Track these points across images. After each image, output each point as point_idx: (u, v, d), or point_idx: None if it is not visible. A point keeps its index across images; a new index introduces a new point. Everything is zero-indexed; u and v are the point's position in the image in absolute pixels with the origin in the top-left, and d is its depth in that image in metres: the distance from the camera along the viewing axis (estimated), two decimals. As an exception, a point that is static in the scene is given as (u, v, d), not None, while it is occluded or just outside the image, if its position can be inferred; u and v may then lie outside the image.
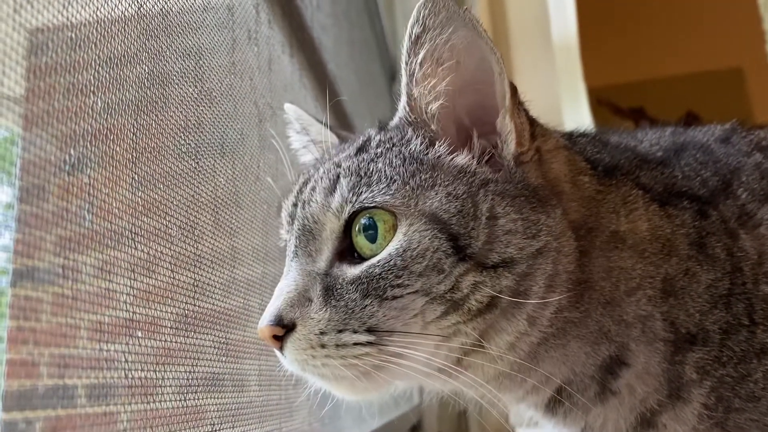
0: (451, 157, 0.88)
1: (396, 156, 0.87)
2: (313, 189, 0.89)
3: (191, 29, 0.98)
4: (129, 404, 0.75)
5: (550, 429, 0.97)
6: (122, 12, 0.77)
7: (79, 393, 0.70)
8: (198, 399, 0.89)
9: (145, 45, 0.83)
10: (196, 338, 0.91)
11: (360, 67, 2.50)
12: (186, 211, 0.91)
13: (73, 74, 0.67)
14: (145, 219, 0.81)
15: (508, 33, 3.72)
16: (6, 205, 0.61)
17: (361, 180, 0.86)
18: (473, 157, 0.88)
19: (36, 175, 0.62)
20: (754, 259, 0.90)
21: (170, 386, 0.83)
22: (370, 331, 0.81)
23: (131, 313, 0.76)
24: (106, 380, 0.73)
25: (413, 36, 0.85)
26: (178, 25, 0.94)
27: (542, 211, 0.85)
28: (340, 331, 0.82)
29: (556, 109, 3.26)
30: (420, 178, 0.85)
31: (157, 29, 0.86)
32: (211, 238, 0.99)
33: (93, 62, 0.71)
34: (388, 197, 0.83)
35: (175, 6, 0.93)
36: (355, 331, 0.81)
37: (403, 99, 0.90)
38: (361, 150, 0.91)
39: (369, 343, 0.81)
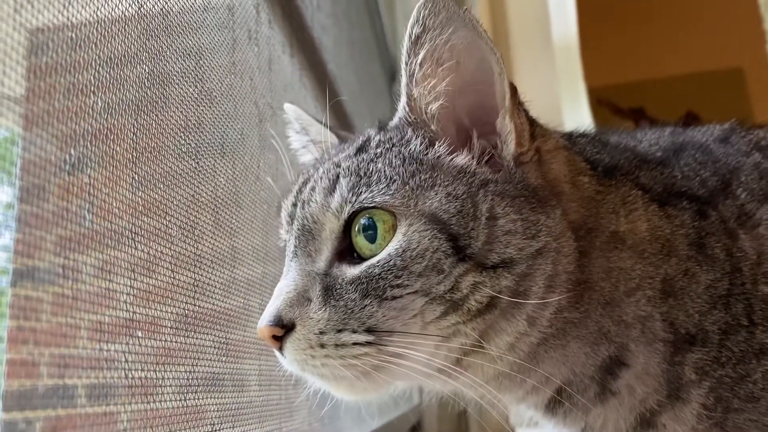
0: (451, 157, 0.88)
1: (396, 156, 0.87)
2: (313, 189, 0.89)
3: (191, 29, 0.98)
4: (129, 404, 0.75)
5: (550, 429, 0.97)
6: (122, 12, 0.77)
7: (79, 393, 0.70)
8: (198, 399, 0.89)
9: (146, 45, 0.83)
10: (196, 338, 0.91)
11: (360, 67, 2.50)
12: (186, 211, 0.91)
13: (74, 74, 0.67)
14: (146, 219, 0.81)
15: (508, 33, 3.71)
16: (6, 205, 0.61)
17: (360, 180, 0.86)
18: (473, 158, 0.88)
19: (36, 175, 0.62)
20: (753, 259, 0.90)
21: (170, 386, 0.83)
22: (369, 331, 0.81)
23: (131, 313, 0.76)
24: (107, 380, 0.73)
25: (413, 36, 0.85)
26: (179, 25, 0.94)
27: (542, 212, 0.85)
28: (339, 331, 0.82)
29: (556, 110, 3.26)
30: (420, 178, 0.85)
31: (157, 29, 0.87)
32: (211, 238, 0.99)
33: (93, 62, 0.71)
34: (387, 197, 0.83)
35: (176, 6, 0.93)
36: (354, 331, 0.81)
37: (403, 99, 0.90)
38: (360, 150, 0.91)
39: (368, 343, 0.81)
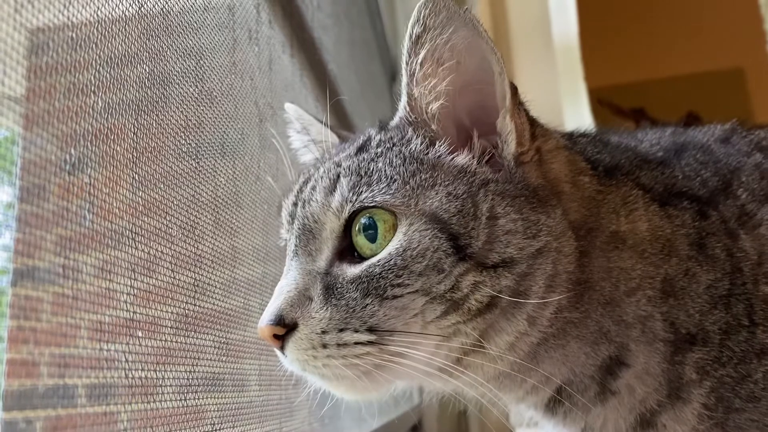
0: (452, 157, 0.88)
1: (396, 156, 0.87)
2: (314, 188, 0.89)
3: (192, 29, 0.98)
4: (129, 404, 0.75)
5: (549, 429, 0.97)
6: (123, 12, 0.77)
7: (79, 393, 0.70)
8: (198, 399, 0.89)
9: (146, 45, 0.83)
10: (197, 338, 0.91)
11: (360, 67, 2.50)
12: (186, 210, 0.91)
13: (74, 74, 0.67)
14: (146, 219, 0.81)
15: (508, 33, 3.71)
16: (6, 205, 0.61)
17: (361, 179, 0.86)
18: (473, 157, 0.88)
19: (36, 174, 0.62)
20: (754, 259, 0.90)
21: (170, 386, 0.83)
22: (371, 330, 0.81)
23: (131, 313, 0.76)
24: (107, 380, 0.73)
25: (414, 36, 0.85)
26: (179, 25, 0.94)
27: (542, 211, 0.85)
28: (341, 330, 0.82)
29: (556, 110, 3.26)
30: (420, 177, 0.85)
31: (157, 29, 0.87)
32: (212, 238, 0.99)
33: (94, 62, 0.71)
34: (388, 197, 0.83)
35: (176, 6, 0.93)
36: (356, 331, 0.81)
37: (404, 99, 0.90)
38: (361, 149, 0.91)
39: (370, 343, 0.81)
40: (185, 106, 0.94)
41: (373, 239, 0.84)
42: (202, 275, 0.95)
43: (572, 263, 0.85)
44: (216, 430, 0.92)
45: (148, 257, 0.80)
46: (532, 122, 0.92)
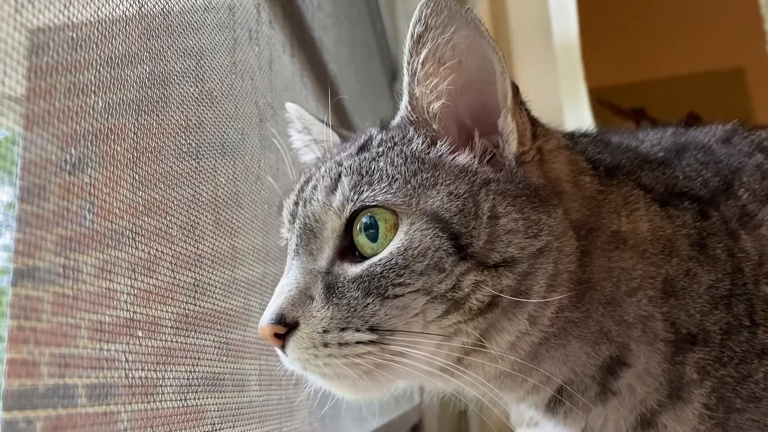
0: (453, 156, 0.88)
1: (397, 155, 0.87)
2: (315, 187, 0.89)
3: (192, 29, 0.98)
4: (129, 404, 0.75)
5: (550, 429, 0.97)
6: (123, 12, 0.77)
7: (79, 393, 0.70)
8: (198, 399, 0.89)
9: (146, 45, 0.83)
10: (197, 338, 0.91)
11: (361, 67, 2.50)
12: (187, 210, 0.91)
13: (74, 74, 0.67)
14: (146, 219, 0.81)
15: (509, 33, 3.71)
16: (7, 205, 0.61)
17: (362, 179, 0.86)
18: (474, 157, 0.88)
19: (37, 174, 0.62)
20: (754, 259, 0.90)
21: (170, 386, 0.83)
22: (372, 329, 0.81)
23: (132, 313, 0.76)
24: (107, 380, 0.73)
25: (415, 35, 0.85)
26: (179, 25, 0.94)
27: (543, 211, 0.85)
28: (342, 330, 0.82)
29: (557, 110, 3.26)
30: (421, 177, 0.85)
31: (158, 29, 0.86)
32: (212, 238, 0.99)
33: (94, 62, 0.71)
34: (389, 196, 0.83)
35: (176, 6, 0.93)
36: (357, 330, 0.81)
37: (405, 98, 0.90)
38: (362, 149, 0.91)
39: (371, 342, 0.81)
40: (186, 106, 0.94)
41: (374, 238, 0.84)
42: (202, 275, 0.95)
43: (573, 263, 0.85)
44: (216, 430, 0.92)
45: (148, 257, 0.80)
46: (534, 122, 0.92)
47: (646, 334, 0.87)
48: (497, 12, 3.78)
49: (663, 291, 0.88)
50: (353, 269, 0.84)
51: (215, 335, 0.97)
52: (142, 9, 0.82)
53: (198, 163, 0.96)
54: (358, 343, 0.81)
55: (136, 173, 0.81)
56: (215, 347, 0.97)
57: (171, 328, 0.85)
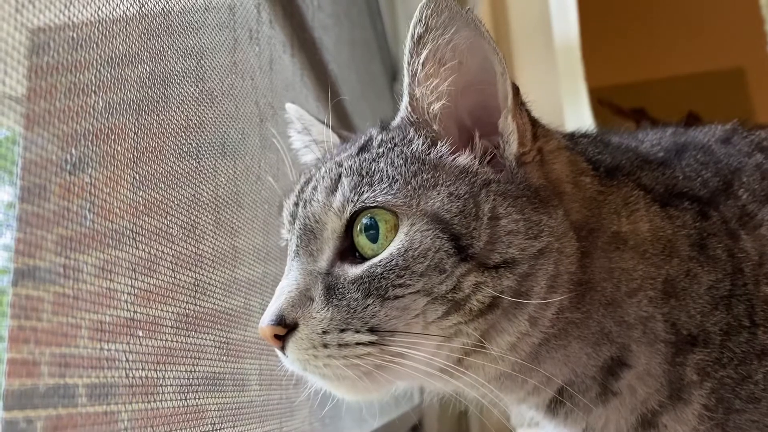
0: (453, 157, 0.88)
1: (398, 156, 0.87)
2: (315, 188, 0.89)
3: (193, 29, 0.98)
4: (130, 404, 0.75)
5: (551, 430, 0.97)
6: (124, 12, 0.77)
7: (79, 392, 0.70)
8: (199, 399, 0.89)
9: (147, 45, 0.83)
10: (197, 338, 0.91)
11: (361, 67, 2.50)
12: (187, 210, 0.91)
13: (75, 74, 0.67)
14: (147, 219, 0.81)
15: (509, 33, 3.72)
16: (7, 205, 0.61)
17: (362, 179, 0.86)
18: (475, 158, 0.88)
19: (37, 174, 0.62)
20: (755, 260, 0.90)
21: (171, 386, 0.83)
22: (372, 330, 0.81)
23: (132, 313, 0.76)
24: (107, 380, 0.73)
25: (416, 36, 0.85)
26: (180, 25, 0.94)
27: (544, 212, 0.85)
28: (342, 331, 0.82)
29: (557, 110, 3.26)
30: (422, 178, 0.85)
31: (158, 29, 0.87)
32: (213, 237, 0.99)
33: (94, 62, 0.71)
34: (389, 197, 0.83)
35: (177, 6, 0.93)
36: (357, 331, 0.81)
37: (405, 99, 0.90)
38: (362, 149, 0.91)
39: (371, 343, 0.81)
40: (186, 106, 0.94)
41: (374, 239, 0.84)
42: (202, 275, 0.95)
43: (574, 264, 0.85)
44: (216, 429, 0.92)
45: (148, 257, 0.80)
46: (534, 123, 0.92)
47: (647, 334, 0.87)
48: (498, 12, 3.78)
49: (663, 292, 0.88)
50: (353, 270, 0.84)
51: (215, 335, 0.97)
52: (143, 9, 0.82)
53: (198, 162, 0.96)
54: (357, 344, 0.81)
55: (136, 173, 0.81)
56: (215, 347, 0.97)
57: (171, 327, 0.85)
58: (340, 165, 0.89)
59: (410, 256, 0.81)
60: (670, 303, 0.88)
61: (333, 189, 0.87)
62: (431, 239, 0.81)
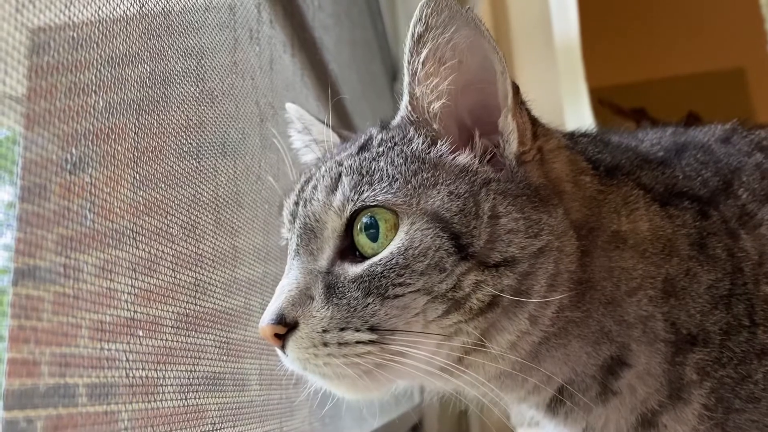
0: (453, 156, 0.88)
1: (398, 155, 0.87)
2: (315, 187, 0.89)
3: (193, 29, 0.98)
4: (130, 403, 0.75)
5: (551, 429, 0.97)
6: (124, 12, 0.77)
7: (80, 392, 0.70)
8: (199, 398, 0.89)
9: (147, 45, 0.83)
10: (197, 337, 0.91)
11: (361, 67, 2.50)
12: (187, 210, 0.91)
13: (75, 74, 0.67)
14: (147, 218, 0.81)
15: (509, 33, 3.72)
16: (8, 204, 0.61)
17: (362, 178, 0.86)
18: (475, 157, 0.88)
19: (37, 174, 0.62)
20: (754, 259, 0.90)
21: (171, 385, 0.83)
22: (372, 329, 0.81)
23: (132, 313, 0.76)
24: (107, 379, 0.73)
25: (416, 35, 0.85)
26: (180, 24, 0.94)
27: (544, 211, 0.85)
28: (342, 330, 0.82)
29: (557, 110, 3.26)
30: (422, 177, 0.85)
31: (158, 29, 0.87)
32: (213, 237, 0.99)
33: (95, 62, 0.71)
34: (390, 196, 0.83)
35: (177, 6, 0.93)
36: (357, 330, 0.81)
37: (405, 98, 0.90)
38: (363, 149, 0.91)
39: (371, 342, 0.81)
40: (186, 106, 0.94)
41: (374, 238, 0.84)
42: (203, 275, 0.95)
43: (574, 262, 0.86)
44: (216, 429, 0.92)
45: (149, 257, 0.80)
46: (534, 122, 0.92)
47: (647, 334, 0.87)
48: (498, 11, 3.78)
49: (663, 291, 0.88)
50: (354, 269, 0.84)
51: (216, 335, 0.97)
52: (143, 9, 0.82)
53: (199, 162, 0.97)
54: (357, 342, 0.81)
55: (136, 173, 0.81)
56: (216, 347, 0.97)
57: (172, 327, 0.85)
58: (341, 164, 0.89)
59: (410, 255, 0.81)
60: (669, 302, 0.88)
61: (333, 188, 0.87)
62: (431, 238, 0.81)
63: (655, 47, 5.43)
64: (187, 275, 0.90)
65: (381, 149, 0.89)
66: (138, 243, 0.78)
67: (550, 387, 0.90)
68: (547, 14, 3.65)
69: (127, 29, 0.78)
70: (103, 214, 0.72)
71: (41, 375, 0.64)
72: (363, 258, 0.84)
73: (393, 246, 0.82)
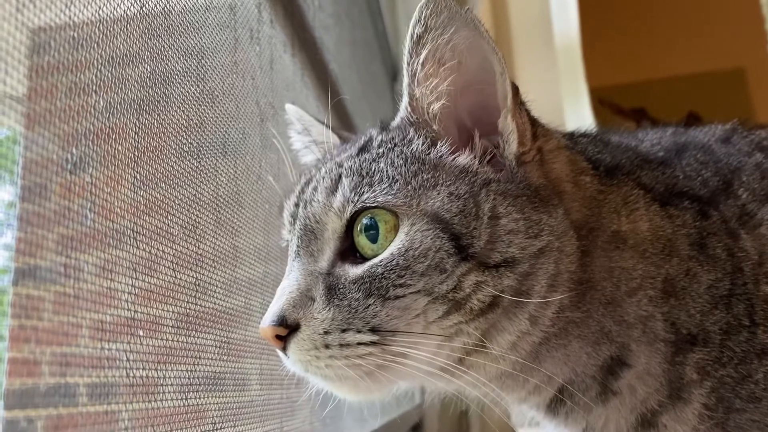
0: (453, 157, 0.88)
1: (398, 156, 0.87)
2: (315, 189, 0.89)
3: (193, 29, 0.98)
4: (130, 403, 0.75)
5: (551, 429, 0.97)
6: (124, 11, 0.77)
7: (80, 392, 0.70)
8: (199, 398, 0.89)
9: (148, 44, 0.83)
10: (198, 337, 0.91)
11: (361, 67, 2.50)
12: (188, 210, 0.91)
13: (75, 74, 0.67)
14: (147, 218, 0.81)
15: (509, 33, 3.72)
16: (8, 204, 0.61)
17: (363, 180, 0.86)
18: (475, 157, 0.88)
19: (38, 174, 0.62)
20: (754, 259, 0.90)
21: (171, 385, 0.83)
22: (373, 330, 0.81)
23: (133, 312, 0.76)
24: (108, 379, 0.73)
25: (415, 36, 0.85)
26: (181, 24, 0.94)
27: (544, 211, 0.85)
28: (343, 331, 0.82)
29: (557, 110, 3.26)
30: (422, 178, 0.85)
31: (159, 29, 0.87)
32: (213, 237, 0.99)
33: (95, 62, 0.71)
34: (390, 197, 0.83)
35: (178, 5, 0.93)
36: (358, 331, 0.81)
37: (405, 99, 0.90)
38: (362, 150, 0.91)
39: (372, 343, 0.81)
40: (187, 106, 0.94)
41: (374, 240, 0.84)
42: (203, 275, 0.95)
43: (574, 263, 0.86)
44: (217, 429, 0.92)
45: (149, 256, 0.80)
46: (534, 122, 0.92)
47: (647, 334, 0.87)
48: (498, 12, 3.78)
49: (663, 291, 0.88)
50: (354, 270, 0.84)
51: (216, 334, 0.97)
52: (143, 8, 0.82)
53: (199, 162, 0.97)
54: (359, 344, 0.81)
55: (137, 172, 0.81)
56: (216, 346, 0.97)
57: (172, 327, 0.85)
58: (341, 165, 0.89)
59: (411, 256, 0.81)
60: (669, 302, 0.88)
61: (333, 189, 0.87)
62: (431, 239, 0.81)
63: (655, 47, 5.43)
64: (188, 275, 0.90)
65: (381, 150, 0.89)
66: (138, 243, 0.78)
67: (550, 387, 0.90)
68: (547, 14, 3.65)
69: (127, 29, 0.78)
70: (104, 213, 0.72)
71: (42, 375, 0.64)
72: (363, 259, 0.84)
73: (393, 247, 0.82)
